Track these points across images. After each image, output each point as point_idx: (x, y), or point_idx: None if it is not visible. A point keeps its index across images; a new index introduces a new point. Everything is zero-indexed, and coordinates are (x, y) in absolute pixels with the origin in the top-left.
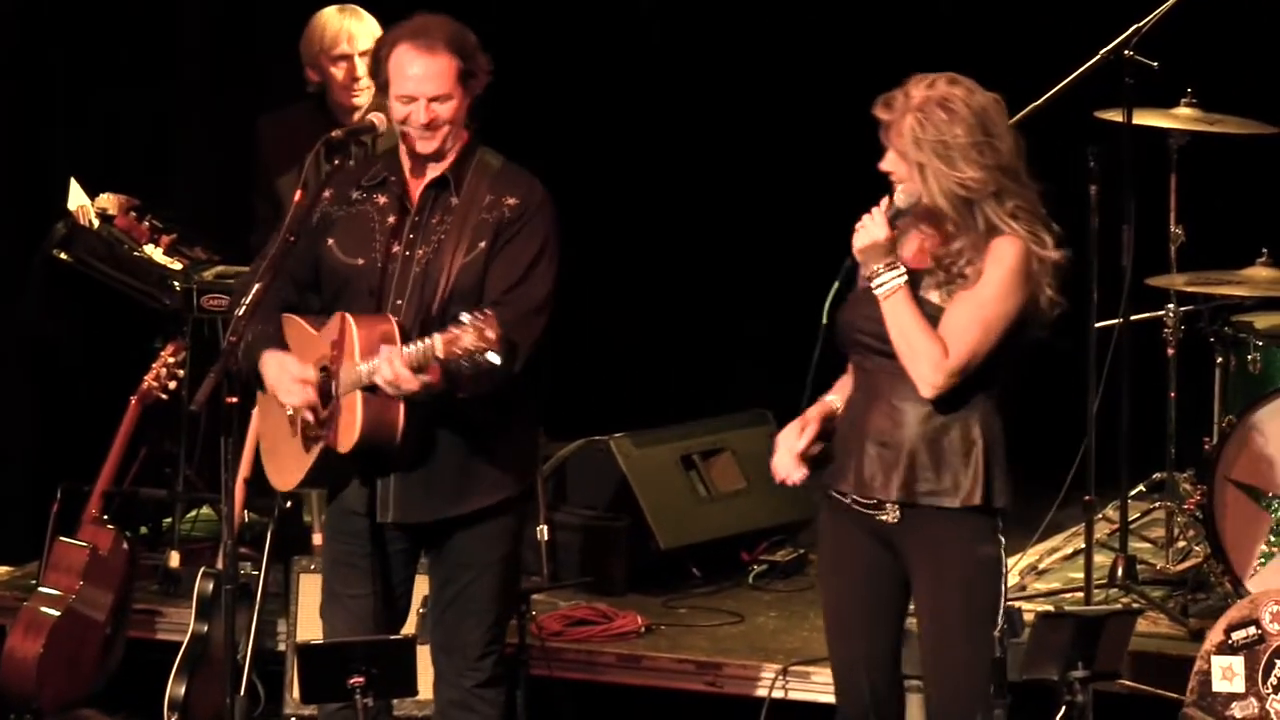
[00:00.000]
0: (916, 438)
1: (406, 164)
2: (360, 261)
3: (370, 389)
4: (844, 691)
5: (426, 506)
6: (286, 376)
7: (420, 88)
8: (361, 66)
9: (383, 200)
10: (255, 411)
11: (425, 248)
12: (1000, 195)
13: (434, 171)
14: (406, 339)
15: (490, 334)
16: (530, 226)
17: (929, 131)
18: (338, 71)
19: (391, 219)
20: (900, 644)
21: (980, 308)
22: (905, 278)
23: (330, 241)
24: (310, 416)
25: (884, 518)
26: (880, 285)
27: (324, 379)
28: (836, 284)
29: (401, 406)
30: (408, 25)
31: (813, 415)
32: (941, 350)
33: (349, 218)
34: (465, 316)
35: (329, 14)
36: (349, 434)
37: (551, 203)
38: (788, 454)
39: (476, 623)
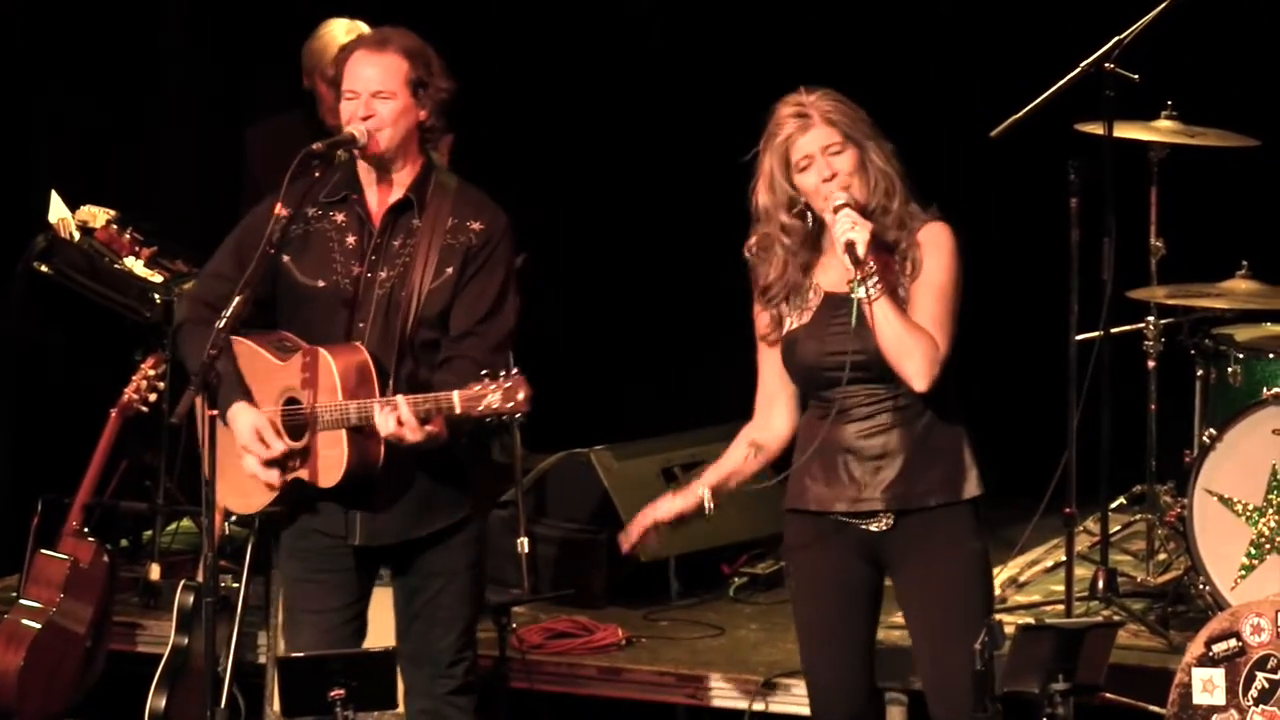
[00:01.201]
0: (907, 444)
1: (365, 182)
2: (320, 283)
3: (357, 428)
4: (822, 708)
5: (393, 529)
6: (260, 449)
7: (366, 84)
8: None
9: (340, 218)
10: None
11: (389, 271)
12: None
13: (394, 191)
14: (379, 367)
15: (521, 395)
16: (498, 254)
17: (855, 112)
18: (329, 94)
19: (351, 239)
20: (874, 658)
21: (945, 296)
22: (879, 279)
23: (286, 259)
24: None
25: (874, 527)
26: (870, 288)
27: (292, 413)
28: (859, 283)
29: (383, 443)
30: (367, 34)
31: (689, 497)
32: (931, 342)
33: (305, 236)
34: (487, 376)
35: (336, 31)
36: (333, 471)
37: (511, 228)
38: (647, 518)
39: (446, 630)
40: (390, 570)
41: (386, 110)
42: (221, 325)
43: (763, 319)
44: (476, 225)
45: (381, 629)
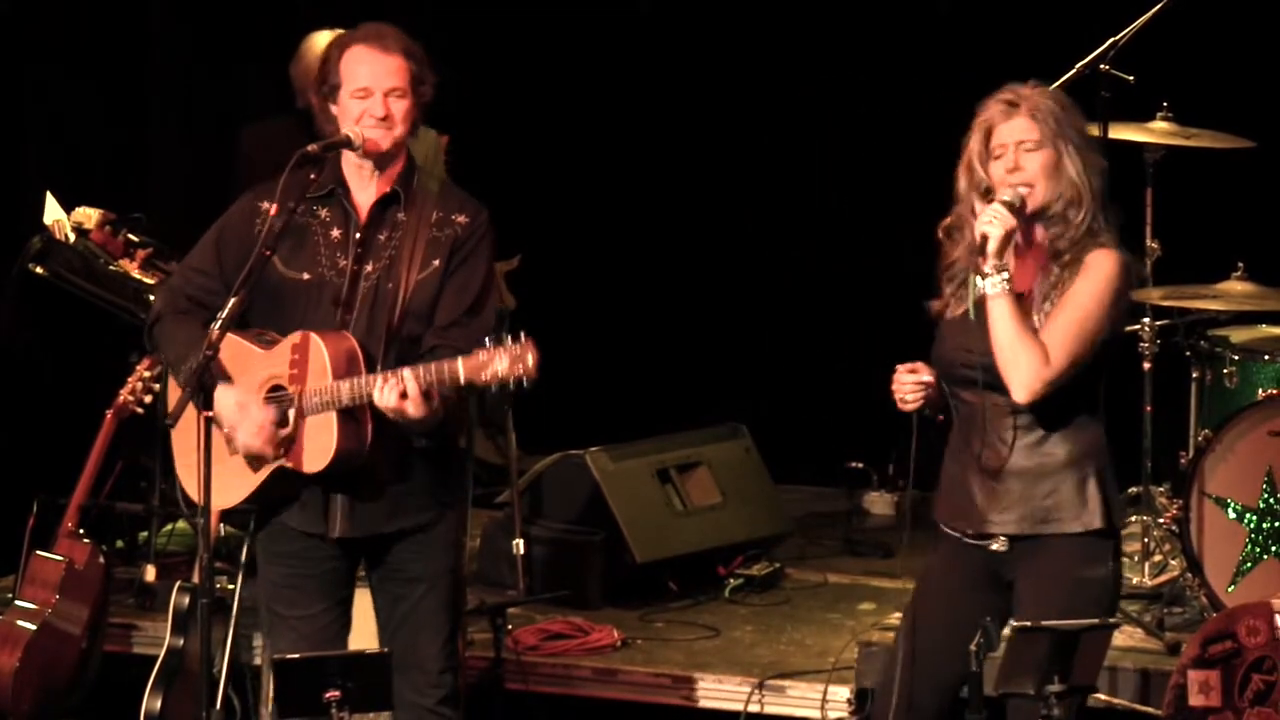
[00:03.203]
0: (1026, 468)
1: (351, 177)
2: (306, 276)
3: (347, 411)
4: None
5: (371, 520)
6: (249, 421)
7: (378, 82)
8: None
9: (325, 213)
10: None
11: (375, 263)
12: (1107, 199)
13: (381, 186)
14: (367, 357)
15: (530, 359)
16: (480, 247)
17: (1070, 116)
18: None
19: (336, 233)
20: (959, 681)
21: (1082, 317)
22: (1010, 280)
23: (268, 253)
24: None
25: (994, 547)
26: (994, 284)
27: (278, 399)
28: (976, 274)
29: (370, 425)
30: (360, 30)
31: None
32: (1042, 356)
33: (290, 230)
34: (490, 341)
35: (319, 45)
36: (320, 456)
37: (492, 222)
38: (911, 377)
39: (434, 635)
40: (370, 574)
41: (400, 109)
42: (217, 326)
43: (944, 294)
44: (461, 218)
45: (365, 631)
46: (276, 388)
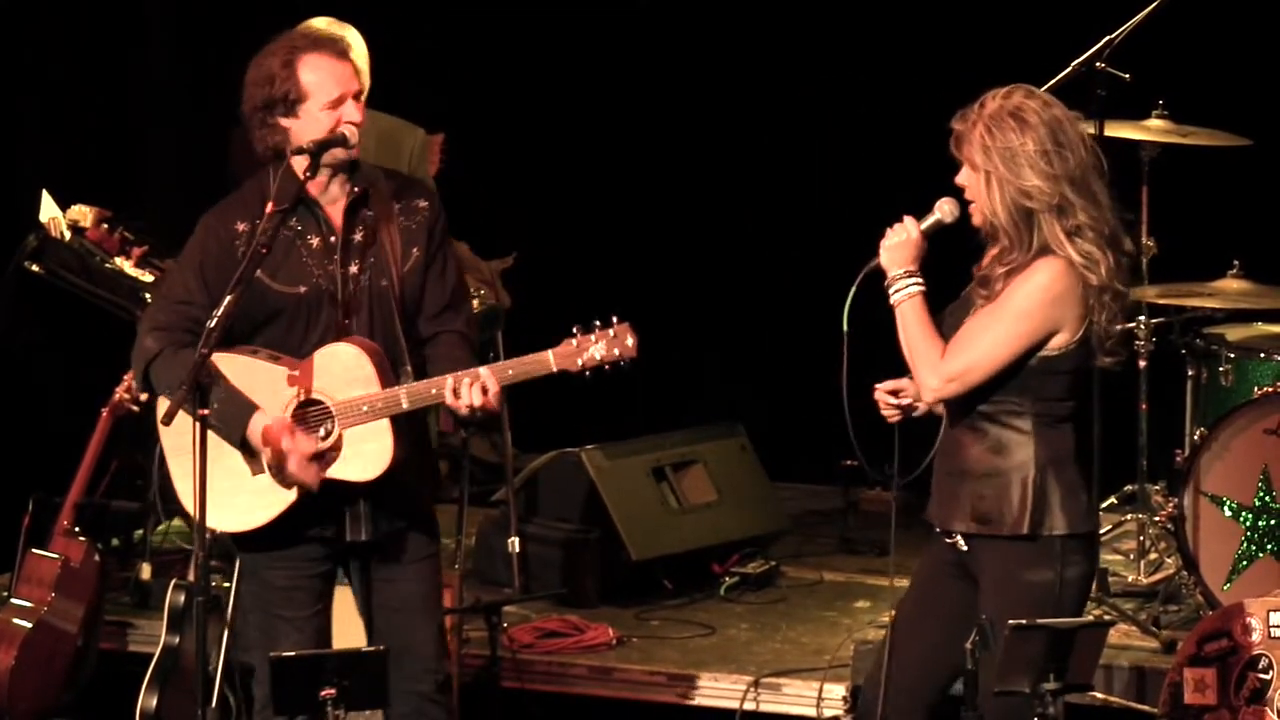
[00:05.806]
0: (974, 466)
1: (310, 185)
2: (302, 289)
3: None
4: (891, 708)
5: (394, 517)
6: (297, 452)
7: (347, 87)
8: None
9: (295, 222)
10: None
11: (360, 264)
12: (1063, 210)
13: (344, 187)
14: (390, 356)
15: (630, 341)
16: (445, 227)
17: (998, 140)
18: None
19: (315, 240)
20: (940, 673)
21: (991, 320)
22: (922, 289)
23: (258, 272)
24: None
25: (958, 545)
26: (896, 291)
27: (313, 413)
28: (855, 287)
29: (406, 425)
30: (307, 40)
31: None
32: (939, 353)
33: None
34: (579, 330)
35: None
36: (374, 464)
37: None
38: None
39: (427, 620)
40: (359, 566)
41: (364, 112)
42: (213, 324)
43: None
44: (422, 204)
45: (344, 629)
46: (308, 402)
